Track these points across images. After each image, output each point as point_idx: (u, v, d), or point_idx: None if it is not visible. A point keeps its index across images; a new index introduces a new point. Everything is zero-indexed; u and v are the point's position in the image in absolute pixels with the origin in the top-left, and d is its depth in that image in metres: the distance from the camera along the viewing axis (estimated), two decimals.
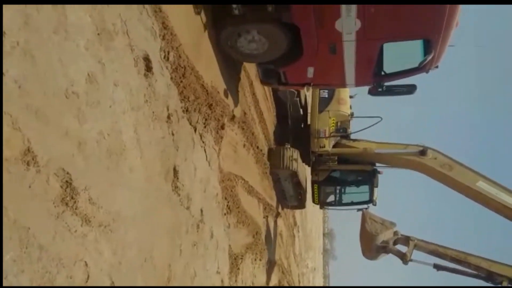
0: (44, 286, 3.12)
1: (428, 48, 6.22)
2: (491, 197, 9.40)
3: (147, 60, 4.38)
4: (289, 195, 12.36)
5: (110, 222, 3.71)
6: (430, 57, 6.28)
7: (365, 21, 5.80)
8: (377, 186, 11.92)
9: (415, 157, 10.51)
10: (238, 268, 7.97)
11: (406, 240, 9.32)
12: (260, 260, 10.05)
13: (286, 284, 14.36)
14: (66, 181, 3.12)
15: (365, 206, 11.74)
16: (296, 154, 10.65)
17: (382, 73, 6.76)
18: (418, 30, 6.04)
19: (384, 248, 9.42)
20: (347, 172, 12.13)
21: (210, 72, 6.31)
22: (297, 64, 6.62)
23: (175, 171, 5.18)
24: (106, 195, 3.65)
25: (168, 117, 4.97)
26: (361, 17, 5.77)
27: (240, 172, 8.38)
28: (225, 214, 7.33)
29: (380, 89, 7.01)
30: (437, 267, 9.11)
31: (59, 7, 2.98)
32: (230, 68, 7.36)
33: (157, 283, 4.64)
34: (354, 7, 5.64)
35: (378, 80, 6.82)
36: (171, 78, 5.00)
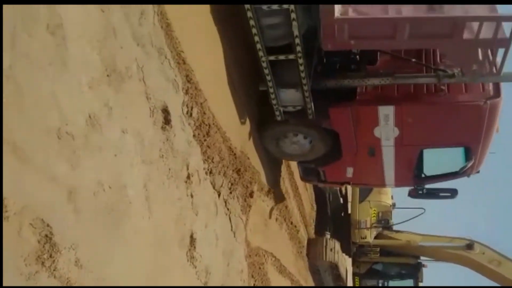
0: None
1: (468, 154, 6.22)
2: None
3: (165, 112, 4.01)
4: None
5: None
6: (470, 164, 6.25)
7: (403, 129, 5.97)
8: (422, 281, 11.53)
9: (462, 251, 10.30)
10: None
11: None
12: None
13: None
14: (46, 235, 2.61)
15: None
16: (337, 245, 10.44)
17: (422, 175, 6.74)
18: (457, 138, 6.10)
19: None
20: (390, 265, 11.88)
21: (240, 135, 5.90)
22: (337, 164, 6.83)
23: (192, 239, 4.59)
24: (99, 259, 3.09)
25: (188, 177, 4.49)
26: (399, 125, 5.93)
27: (271, 249, 7.61)
28: None
29: (420, 192, 7.08)
30: None
31: (59, 36, 2.68)
32: (256, 118, 6.90)
33: None
34: (391, 116, 5.85)
35: (418, 183, 6.89)
36: (194, 135, 4.59)
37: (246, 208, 6.19)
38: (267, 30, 4.89)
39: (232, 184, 5.61)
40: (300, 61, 5.12)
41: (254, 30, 4.81)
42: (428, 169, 6.62)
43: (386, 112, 5.86)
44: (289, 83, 5.53)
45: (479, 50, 4.80)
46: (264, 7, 4.59)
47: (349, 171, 6.91)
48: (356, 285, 12.02)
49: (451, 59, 5.10)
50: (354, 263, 12.05)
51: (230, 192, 5.61)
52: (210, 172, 5.01)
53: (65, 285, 2.74)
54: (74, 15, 2.80)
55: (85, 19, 2.91)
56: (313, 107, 5.74)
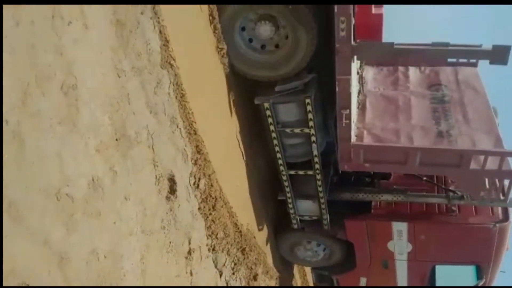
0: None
1: (479, 273, 6.34)
2: None
3: (172, 181, 3.90)
4: None
5: None
6: (481, 283, 6.36)
7: (416, 245, 6.26)
8: None
9: None
10: None
11: None
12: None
13: None
14: None
15: None
16: None
17: (434, 278, 6.77)
18: (468, 257, 6.29)
19: None
20: None
21: (247, 212, 5.72)
22: (351, 274, 7.08)
23: None
24: None
25: (189, 252, 4.27)
26: (412, 241, 6.24)
27: None
28: None
29: None
30: None
31: (72, 96, 2.67)
32: (270, 216, 6.74)
33: None
34: (405, 232, 6.19)
35: None
36: (199, 208, 4.43)
37: None
38: (288, 148, 5.35)
39: (235, 264, 5.32)
40: (318, 176, 5.56)
41: (276, 148, 5.28)
42: (441, 282, 6.65)
43: (400, 228, 6.19)
44: (307, 195, 5.91)
45: (486, 179, 5.07)
46: (288, 130, 5.10)
47: (363, 281, 7.15)
48: None
49: (459, 185, 5.49)
50: None
51: (233, 273, 5.31)
52: (213, 249, 4.77)
53: None
54: (90, 77, 2.82)
55: (100, 82, 2.92)
56: (328, 218, 6.08)
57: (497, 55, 4.14)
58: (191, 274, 4.29)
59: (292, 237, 6.79)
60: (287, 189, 5.82)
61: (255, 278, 5.90)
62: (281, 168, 5.54)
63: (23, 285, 2.37)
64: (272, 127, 5.04)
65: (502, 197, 5.19)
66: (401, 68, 6.38)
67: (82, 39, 2.73)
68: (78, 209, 2.77)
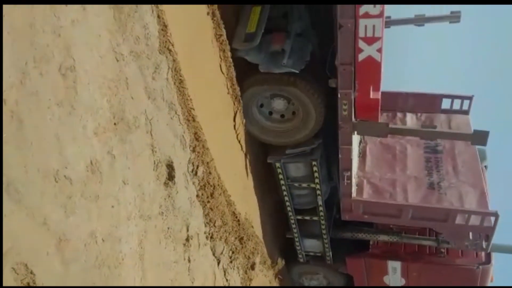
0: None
1: None
2: None
3: (170, 167, 3.90)
4: None
5: None
6: None
7: (408, 280, 7.07)
8: None
9: None
10: None
11: None
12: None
13: None
14: (28, 283, 2.40)
15: None
16: None
17: None
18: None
19: None
20: None
21: (245, 202, 5.72)
22: None
23: None
24: None
25: (187, 239, 4.28)
26: (405, 276, 7.05)
27: None
28: None
29: None
30: None
31: (70, 78, 2.66)
32: (269, 206, 6.74)
33: None
34: (399, 269, 6.98)
35: None
36: (197, 195, 4.44)
37: (246, 281, 5.84)
38: (296, 198, 6.12)
39: (233, 253, 5.34)
40: (322, 221, 6.31)
41: (286, 198, 6.05)
42: None
43: (394, 265, 6.99)
44: (312, 235, 6.72)
45: (470, 232, 5.80)
46: (296, 184, 5.89)
47: None
48: None
49: (446, 236, 6.13)
50: None
51: (231, 262, 5.32)
52: (211, 237, 4.78)
53: None
54: (88, 59, 2.81)
55: (98, 65, 2.92)
56: (331, 254, 6.93)
57: (477, 138, 4.75)
58: (189, 261, 4.30)
59: (300, 268, 7.69)
60: (295, 230, 6.63)
61: (252, 267, 5.91)
62: (290, 213, 6.32)
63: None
64: (282, 182, 5.82)
65: (484, 244, 5.80)
66: (399, 114, 7.07)
67: (81, 20, 2.72)
68: (76, 192, 2.77)
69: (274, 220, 6.83)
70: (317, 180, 5.71)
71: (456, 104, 6.95)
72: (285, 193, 5.99)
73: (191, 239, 4.34)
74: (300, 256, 7.12)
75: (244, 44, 4.47)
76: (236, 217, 5.39)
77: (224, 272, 5.17)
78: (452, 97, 7.00)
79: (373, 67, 4.37)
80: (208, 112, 4.45)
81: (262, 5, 4.60)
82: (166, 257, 3.88)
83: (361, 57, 4.31)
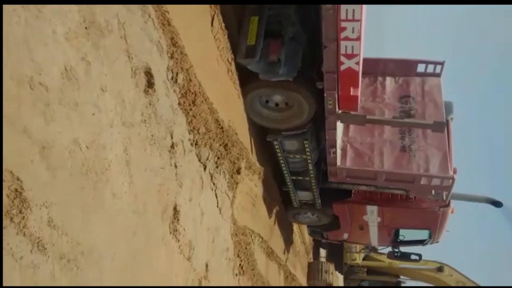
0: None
1: (429, 234, 9.06)
2: None
3: (149, 75, 3.82)
4: None
5: (77, 256, 2.95)
6: (430, 241, 9.23)
7: (384, 219, 8.92)
8: None
9: (433, 273, 12.46)
10: None
11: None
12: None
13: None
14: (15, 190, 2.44)
15: None
16: (331, 267, 13.13)
17: (398, 240, 9.59)
18: (422, 225, 8.96)
19: None
20: (375, 282, 14.19)
21: (228, 109, 5.73)
22: (336, 232, 9.93)
23: (176, 211, 4.43)
24: (75, 221, 2.93)
25: (172, 146, 4.33)
26: (381, 216, 8.83)
27: (259, 229, 7.50)
28: (236, 274, 6.38)
29: (396, 254, 10.58)
30: None
31: None
32: None
33: None
34: (376, 211, 8.73)
35: (394, 245, 10.13)
36: (179, 103, 4.41)
37: (233, 185, 6.05)
38: (291, 164, 7.52)
39: (218, 158, 5.45)
40: (313, 180, 7.74)
41: (282, 165, 7.46)
42: (402, 238, 9.55)
43: (372, 209, 8.72)
44: (304, 188, 8.19)
45: (432, 191, 7.11)
46: (291, 155, 7.20)
47: (345, 235, 10.03)
48: None
49: (413, 193, 7.52)
50: (345, 280, 14.48)
51: (217, 167, 5.45)
52: (196, 144, 4.85)
53: (35, 245, 2.57)
54: None
55: None
56: (320, 202, 8.56)
57: (436, 126, 6.27)
58: (175, 166, 4.39)
59: (295, 212, 9.33)
60: (290, 186, 8.11)
61: (238, 172, 6.09)
62: (286, 175, 7.77)
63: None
64: (279, 154, 7.15)
65: (444, 196, 7.17)
66: (380, 78, 8.02)
67: None
68: (53, 99, 2.72)
69: (257, 128, 6.91)
70: (307, 153, 6.97)
71: (430, 69, 7.92)
72: (281, 161, 7.32)
73: (176, 146, 4.39)
74: (294, 203, 8.74)
75: (246, 60, 5.39)
76: (220, 124, 5.43)
77: (211, 176, 5.32)
78: (426, 63, 7.94)
79: (353, 75, 5.36)
80: (183, 17, 4.27)
81: (259, 15, 5.32)
82: (152, 163, 3.95)
83: (342, 67, 5.28)
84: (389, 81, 7.94)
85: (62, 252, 2.80)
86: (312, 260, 14.20)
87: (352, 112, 6.18)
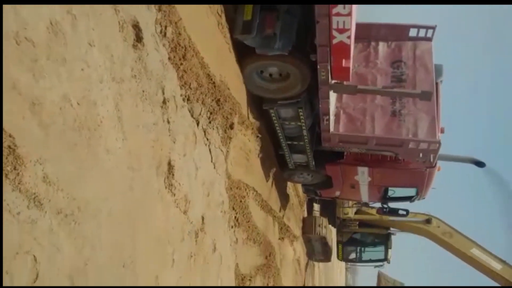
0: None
1: (417, 191, 9.52)
2: (482, 262, 12.10)
3: (137, 28, 3.75)
4: (317, 252, 14.78)
5: (74, 211, 3.00)
6: (417, 198, 9.74)
7: (374, 178, 9.25)
8: (391, 248, 14.46)
9: (422, 225, 12.94)
10: None
11: None
12: (273, 286, 9.11)
13: None
14: (8, 146, 2.45)
15: (381, 263, 14.81)
16: (324, 221, 13.72)
17: (387, 197, 10.03)
18: (410, 183, 9.38)
19: None
20: (366, 235, 14.69)
21: (220, 63, 5.66)
22: (329, 190, 10.39)
23: (170, 166, 4.48)
24: (70, 177, 2.96)
25: (164, 102, 4.31)
26: (371, 176, 9.16)
27: (253, 183, 7.61)
28: (232, 227, 6.54)
29: (385, 210, 11.04)
30: None
31: None
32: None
33: None
34: (366, 172, 9.04)
35: (383, 201, 10.58)
36: (169, 57, 4.35)
37: (226, 140, 6.08)
38: (287, 130, 7.75)
39: (211, 114, 5.45)
40: (307, 145, 8.04)
41: (278, 130, 7.70)
42: (391, 195, 10.01)
43: (363, 170, 9.04)
44: (299, 151, 8.47)
45: (420, 154, 7.39)
46: (286, 122, 7.44)
47: (337, 193, 10.54)
48: (339, 251, 15.13)
49: (401, 156, 7.74)
50: (338, 233, 14.95)
51: (210, 122, 5.46)
52: (188, 99, 4.83)
53: (32, 201, 2.61)
54: None
55: None
56: (314, 163, 8.85)
57: (424, 96, 6.26)
58: (168, 122, 4.39)
59: (291, 172, 9.54)
60: (285, 150, 8.39)
61: (231, 127, 6.10)
62: (281, 140, 8.00)
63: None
64: (275, 121, 7.38)
65: (431, 159, 7.63)
66: (373, 43, 8.11)
67: None
68: (41, 54, 2.68)
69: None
70: (302, 120, 7.23)
71: (422, 33, 8.01)
72: (277, 127, 7.60)
73: (168, 101, 4.38)
74: (290, 165, 9.08)
75: (243, 36, 5.61)
76: (211, 79, 5.38)
77: (204, 132, 5.33)
78: (418, 27, 8.03)
79: (344, 48, 5.55)
80: None
81: None
82: (145, 119, 3.95)
83: (334, 41, 5.49)
84: (381, 46, 8.07)
85: (59, 207, 2.85)
86: (306, 214, 14.60)
87: (344, 82, 6.43)
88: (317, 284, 19.23)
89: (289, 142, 8.14)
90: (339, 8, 5.11)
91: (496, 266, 12.07)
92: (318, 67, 5.93)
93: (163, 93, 4.28)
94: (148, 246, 4.03)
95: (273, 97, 6.89)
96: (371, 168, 8.96)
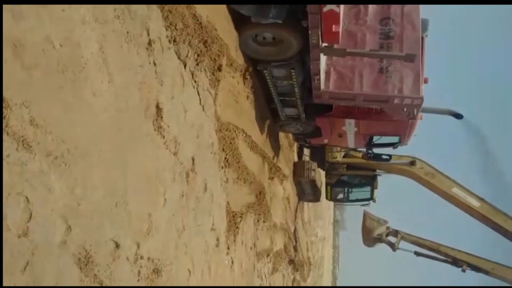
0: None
1: (399, 139, 10.29)
2: (462, 200, 12.82)
3: None
4: (307, 193, 15.62)
5: (64, 153, 3.06)
6: (400, 144, 10.55)
7: (360, 128, 9.86)
8: (376, 188, 15.19)
9: (406, 166, 13.48)
10: (238, 227, 7.37)
11: (395, 233, 14.25)
12: (264, 222, 9.45)
13: (291, 249, 13.86)
14: None
15: (367, 202, 15.41)
16: (314, 165, 14.47)
17: (372, 143, 10.73)
18: (393, 132, 10.08)
19: (378, 239, 14.43)
20: (354, 176, 15.42)
21: (206, 5, 5.52)
22: (318, 138, 11.01)
23: (158, 109, 4.50)
24: (57, 119, 2.98)
25: (149, 43, 4.25)
26: (357, 126, 9.76)
27: (242, 125, 7.67)
28: (222, 167, 6.67)
29: (369, 155, 12.39)
30: (417, 253, 14.01)
31: None
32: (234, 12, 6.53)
33: (132, 233, 4.02)
34: (353, 123, 9.63)
35: (368, 147, 11.58)
36: None
37: (214, 82, 6.05)
38: (279, 86, 8.19)
39: (198, 56, 5.39)
40: (298, 100, 8.55)
41: (271, 88, 8.16)
42: (375, 141, 10.67)
43: (350, 121, 9.62)
44: (290, 105, 8.96)
45: (404, 108, 8.13)
46: (279, 81, 7.95)
47: (325, 141, 11.19)
48: (328, 192, 15.84)
49: (387, 110, 8.62)
50: (327, 176, 15.56)
51: (197, 64, 5.41)
52: (174, 41, 4.76)
53: (20, 143, 2.65)
54: None
55: None
56: (304, 115, 9.34)
57: (408, 58, 6.73)
58: (154, 64, 4.35)
59: (282, 124, 10.17)
60: (278, 104, 8.89)
61: (219, 69, 6.06)
62: (274, 96, 8.51)
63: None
64: (268, 81, 7.86)
65: (415, 113, 8.30)
66: (362, 7, 8.21)
67: None
68: None
69: (238, 23, 6.71)
70: (294, 79, 7.73)
71: None
72: (270, 85, 8.07)
73: (154, 43, 4.32)
74: (282, 117, 9.56)
75: (239, 6, 6.03)
76: (198, 20, 5.27)
77: (192, 74, 5.30)
78: None
79: (334, 15, 5.88)
80: None
81: None
82: (130, 61, 3.91)
83: (325, 9, 5.81)
84: (370, 7, 8.28)
85: (48, 150, 2.90)
86: (296, 158, 14.97)
87: (334, 46, 6.79)
88: (306, 217, 20.03)
89: (281, 98, 8.63)
90: None
91: (475, 203, 12.82)
92: (310, 32, 6.27)
93: (148, 34, 4.21)
94: (139, 186, 4.13)
95: (269, 59, 7.27)
96: (358, 120, 9.58)
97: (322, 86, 7.68)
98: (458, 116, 10.77)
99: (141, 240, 4.14)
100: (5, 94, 2.51)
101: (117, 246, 3.73)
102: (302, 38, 6.66)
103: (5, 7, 2.51)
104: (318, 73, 7.33)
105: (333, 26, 6.12)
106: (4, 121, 2.50)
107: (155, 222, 4.46)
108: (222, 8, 6.12)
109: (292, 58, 7.24)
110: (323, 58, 7.26)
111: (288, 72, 7.56)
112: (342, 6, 5.88)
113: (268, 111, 9.48)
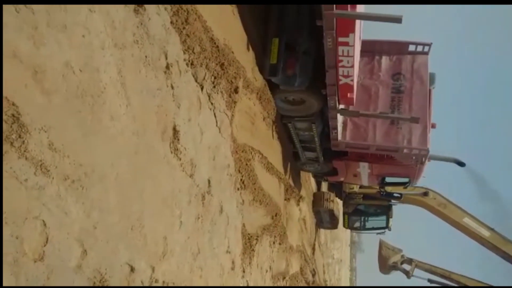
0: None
1: (409, 180, 11.07)
2: (472, 230, 13.63)
3: None
4: (326, 221, 16.75)
5: (81, 177, 3.07)
6: (410, 185, 11.47)
7: (372, 169, 10.84)
8: (391, 217, 15.92)
9: (420, 197, 14.41)
10: (253, 250, 7.28)
11: (409, 261, 15.77)
12: (279, 244, 9.33)
13: (307, 271, 13.63)
14: (12, 115, 2.48)
15: (383, 231, 16.25)
16: (332, 195, 15.71)
17: (384, 182, 11.59)
18: (403, 174, 10.93)
19: (394, 267, 16.00)
20: (369, 206, 16.28)
21: (223, 28, 5.58)
22: (334, 177, 12.10)
23: (175, 131, 4.51)
24: (75, 144, 3.00)
25: (167, 67, 4.29)
26: (370, 168, 10.77)
27: (258, 146, 7.65)
28: (238, 189, 6.64)
29: (381, 194, 13.65)
30: (430, 281, 15.61)
31: None
32: (250, 30, 6.61)
33: (148, 257, 3.99)
34: (367, 166, 10.74)
35: (381, 186, 12.45)
36: (171, 22, 4.30)
37: (231, 104, 6.07)
38: (301, 136, 9.67)
39: (215, 78, 5.42)
40: (318, 146, 9.98)
41: (294, 137, 9.69)
42: (388, 181, 11.65)
43: (364, 164, 10.72)
44: (310, 150, 10.38)
45: (413, 157, 9.40)
46: (301, 132, 9.43)
47: (341, 179, 12.21)
48: (345, 220, 16.68)
49: (397, 158, 9.72)
50: (344, 205, 16.52)
51: (214, 86, 5.44)
52: (191, 64, 4.80)
53: (38, 168, 2.67)
54: None
55: None
56: (322, 158, 10.74)
57: (413, 120, 7.82)
58: (172, 87, 4.39)
59: (302, 163, 11.34)
60: (299, 149, 10.36)
61: (236, 91, 6.08)
62: (296, 143, 9.98)
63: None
64: (292, 131, 9.38)
65: (423, 161, 9.48)
66: (377, 57, 9.66)
67: None
68: (41, 21, 2.67)
69: (255, 45, 6.78)
70: (314, 131, 9.21)
71: (419, 49, 9.60)
72: (293, 135, 9.53)
73: (171, 66, 4.36)
74: (302, 159, 10.95)
75: (270, 77, 7.29)
76: (215, 43, 5.32)
77: (209, 96, 5.33)
78: (416, 44, 9.65)
79: (348, 87, 7.34)
80: None
81: (279, 37, 6.95)
82: (148, 85, 3.95)
83: (341, 83, 7.24)
84: (384, 59, 9.64)
85: (66, 174, 2.91)
86: (313, 180, 15.36)
87: (350, 108, 8.27)
88: (322, 239, 19.76)
89: (303, 145, 10.10)
90: (344, 62, 6.65)
91: (485, 233, 13.66)
92: (328, 98, 7.66)
93: (166, 58, 4.26)
94: (155, 209, 4.12)
95: (294, 115, 8.77)
96: (371, 163, 10.65)
97: (340, 137, 9.00)
98: (461, 164, 12.11)
99: (156, 263, 4.11)
100: (25, 119, 2.55)
101: (132, 269, 3.71)
102: (322, 101, 8.02)
103: (27, 34, 2.57)
104: (336, 127, 8.67)
105: (348, 94, 7.46)
106: (22, 146, 2.53)
107: (170, 245, 4.43)
108: (239, 31, 6.19)
109: (313, 115, 8.68)
110: (340, 116, 8.55)
111: (310, 125, 9.02)
112: (355, 80, 7.17)
113: (284, 132, 9.63)
